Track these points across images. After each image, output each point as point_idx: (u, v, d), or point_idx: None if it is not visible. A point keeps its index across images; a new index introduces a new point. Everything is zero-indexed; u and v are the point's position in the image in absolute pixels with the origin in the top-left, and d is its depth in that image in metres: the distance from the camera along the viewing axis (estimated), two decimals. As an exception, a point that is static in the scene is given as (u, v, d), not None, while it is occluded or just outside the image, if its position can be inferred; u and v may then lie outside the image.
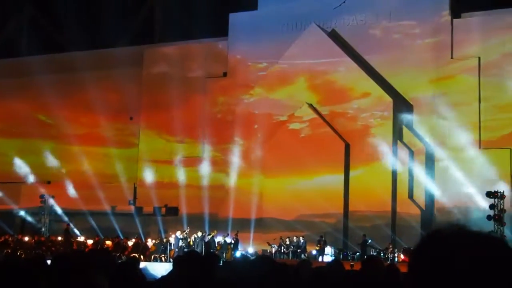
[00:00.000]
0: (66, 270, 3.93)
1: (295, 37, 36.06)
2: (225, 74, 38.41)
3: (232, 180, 36.56)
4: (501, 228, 28.45)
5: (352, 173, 34.13)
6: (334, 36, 35.79)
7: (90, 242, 33.39)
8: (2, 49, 44.11)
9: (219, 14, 38.80)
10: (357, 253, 30.55)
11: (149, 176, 39.06)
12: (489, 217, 28.45)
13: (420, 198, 33.19)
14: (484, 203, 29.07)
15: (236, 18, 38.42)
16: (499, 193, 28.80)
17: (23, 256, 25.95)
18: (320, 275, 7.61)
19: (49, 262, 5.64)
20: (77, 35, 40.19)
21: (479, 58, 33.23)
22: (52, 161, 41.75)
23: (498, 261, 1.74)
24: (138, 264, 9.63)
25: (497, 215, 28.52)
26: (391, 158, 33.49)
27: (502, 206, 28.76)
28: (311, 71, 35.56)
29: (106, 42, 40.68)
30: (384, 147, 33.64)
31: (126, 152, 40.99)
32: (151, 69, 40.38)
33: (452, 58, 33.80)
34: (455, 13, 34.25)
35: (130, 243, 32.86)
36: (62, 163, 41.54)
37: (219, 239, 32.03)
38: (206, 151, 38.40)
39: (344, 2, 35.22)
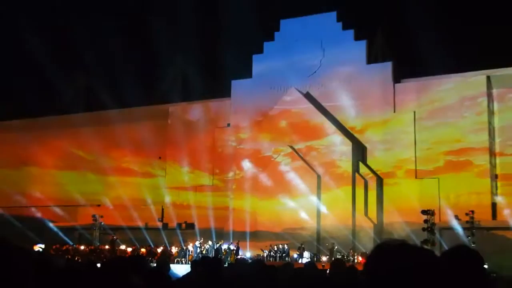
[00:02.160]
0: (112, 271, 3.96)
1: (280, 96, 36.32)
2: (228, 125, 38.52)
3: (232, 202, 36.37)
4: (433, 237, 28.46)
5: (323, 196, 33.87)
6: (309, 96, 36.02)
7: (129, 250, 33.19)
8: (60, 109, 44.33)
9: (225, 80, 39.13)
10: (327, 256, 30.48)
11: (173, 199, 39.08)
12: (423, 229, 28.43)
13: (373, 214, 33.15)
14: (420, 218, 28.96)
15: (236, 84, 38.63)
16: (430, 211, 28.79)
17: (79, 261, 25.89)
18: (299, 273, 7.79)
19: (99, 265, 5.73)
20: (117, 96, 40.56)
21: (415, 112, 33.65)
22: (99, 188, 41.87)
23: (426, 267, 1.81)
24: (168, 266, 8.82)
25: (429, 227, 28.49)
26: (351, 185, 33.56)
27: (433, 221, 28.80)
28: (292, 116, 35.52)
29: (140, 102, 40.97)
30: (346, 178, 33.78)
31: (154, 181, 40.96)
32: (174, 120, 40.46)
33: (394, 112, 34.23)
34: (397, 79, 34.70)
35: (159, 250, 32.76)
36: (107, 190, 41.62)
37: (224, 246, 31.74)
38: (215, 180, 38.47)
39: (315, 72, 35.87)
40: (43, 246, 33.46)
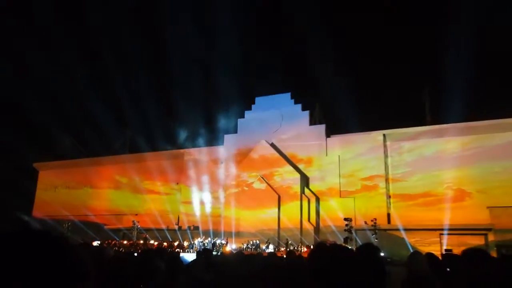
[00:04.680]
0: (145, 258, 3.92)
1: (254, 144, 36.30)
2: (222, 162, 38.28)
3: (223, 211, 35.87)
4: (351, 235, 28.26)
5: (282, 208, 33.62)
6: (273, 145, 36.13)
7: (156, 243, 32.33)
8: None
9: (220, 134, 39.14)
10: (284, 248, 30.00)
11: (185, 210, 38.31)
12: (345, 230, 28.37)
13: (313, 220, 32.92)
14: (343, 223, 28.86)
15: (227, 137, 38.54)
16: (349, 219, 28.83)
17: (123, 251, 25.09)
18: (266, 259, 7.69)
19: (136, 254, 5.55)
20: (150, 143, 40.43)
21: (339, 155, 34.01)
22: (137, 203, 40.98)
23: (348, 257, 1.77)
24: (179, 255, 9.14)
25: (349, 229, 28.41)
26: (300, 201, 33.39)
27: (351, 225, 28.74)
28: (262, 155, 35.46)
29: (165, 147, 40.83)
30: (296, 196, 33.68)
31: (172, 198, 40.13)
32: (187, 159, 39.94)
33: (326, 155, 34.55)
34: (328, 135, 35.15)
35: (175, 244, 31.99)
36: (141, 204, 40.74)
37: (218, 241, 31.11)
38: (212, 197, 37.93)
39: (277, 130, 36.17)
40: (99, 241, 32.45)
